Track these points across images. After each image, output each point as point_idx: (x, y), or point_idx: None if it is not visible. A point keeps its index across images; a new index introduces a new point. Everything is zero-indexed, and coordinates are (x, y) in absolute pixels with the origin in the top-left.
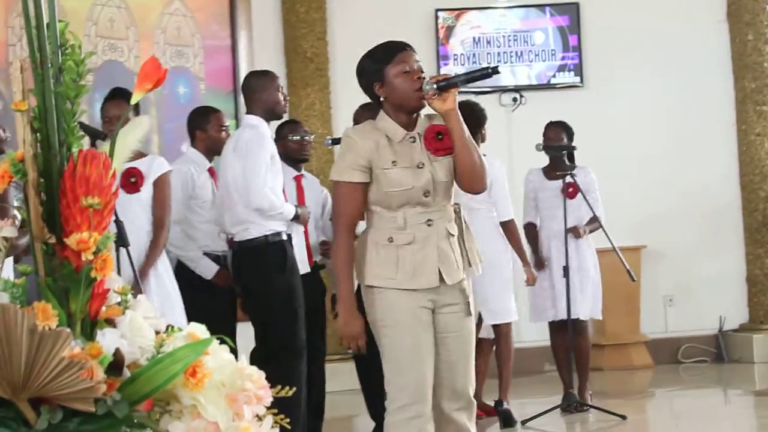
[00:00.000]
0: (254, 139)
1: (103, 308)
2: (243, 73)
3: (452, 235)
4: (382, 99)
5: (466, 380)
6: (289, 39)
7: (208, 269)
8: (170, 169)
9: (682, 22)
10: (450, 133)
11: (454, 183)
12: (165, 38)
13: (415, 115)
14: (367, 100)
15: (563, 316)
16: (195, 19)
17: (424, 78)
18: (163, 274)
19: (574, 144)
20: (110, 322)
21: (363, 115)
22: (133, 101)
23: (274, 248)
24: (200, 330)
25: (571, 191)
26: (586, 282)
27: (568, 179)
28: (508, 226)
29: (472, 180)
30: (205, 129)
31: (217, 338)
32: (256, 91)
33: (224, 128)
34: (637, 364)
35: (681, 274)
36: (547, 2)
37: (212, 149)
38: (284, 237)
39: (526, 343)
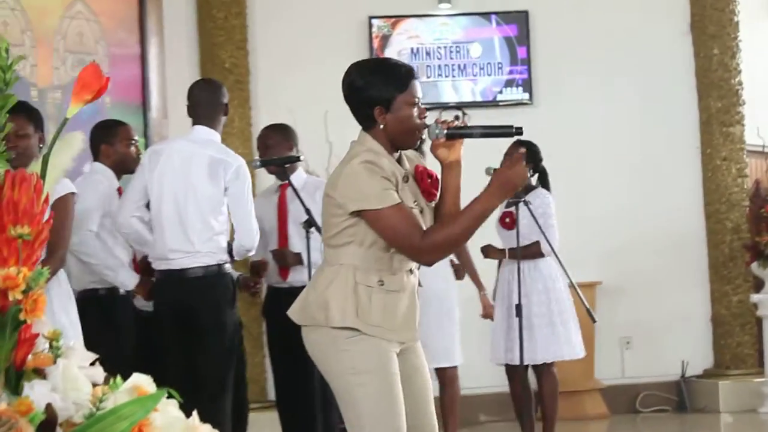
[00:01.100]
0: (245, 169)
1: (29, 356)
2: (153, 85)
3: (420, 286)
4: (381, 126)
5: (434, 424)
6: (205, 48)
7: (128, 278)
8: (73, 191)
9: (642, 35)
10: (446, 184)
11: None
12: (65, 45)
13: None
14: (278, 120)
15: (513, 360)
16: (100, 24)
17: (428, 119)
18: (53, 301)
19: (535, 166)
20: (39, 373)
21: (271, 137)
22: (69, 114)
23: (226, 280)
24: (146, 382)
25: (508, 222)
26: (539, 322)
27: (508, 208)
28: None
29: None
30: (111, 143)
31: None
32: (221, 103)
33: (133, 142)
34: (592, 413)
35: (639, 313)
36: (492, 10)
37: (120, 166)
38: (230, 268)
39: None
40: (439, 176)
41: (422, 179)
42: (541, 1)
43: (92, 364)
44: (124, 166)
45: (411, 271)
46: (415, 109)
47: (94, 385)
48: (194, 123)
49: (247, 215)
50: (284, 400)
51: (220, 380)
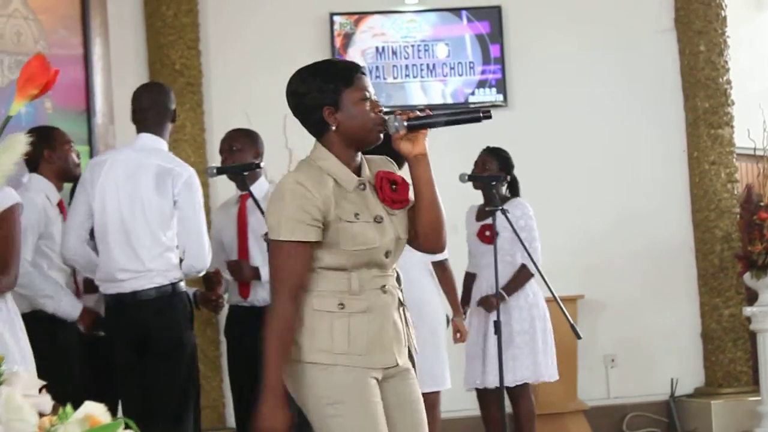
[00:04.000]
0: (195, 180)
1: None
2: (98, 89)
3: (402, 305)
4: (333, 128)
5: None
6: (154, 48)
7: (72, 307)
8: (18, 201)
9: (623, 32)
10: (417, 182)
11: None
12: (2, 45)
13: (358, 156)
14: (234, 126)
15: (490, 383)
16: (39, 23)
17: (385, 111)
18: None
19: (507, 173)
20: None
21: (238, 141)
22: (12, 111)
23: (183, 299)
24: (100, 411)
25: (488, 235)
26: (514, 341)
27: (488, 220)
28: (440, 267)
29: (439, 239)
30: (53, 149)
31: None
32: (169, 109)
33: (72, 147)
34: None
35: (624, 329)
36: (463, 5)
37: (63, 174)
38: (184, 286)
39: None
40: (408, 178)
41: (382, 187)
42: None
43: (40, 391)
44: (68, 174)
45: (384, 288)
46: (368, 104)
47: (41, 415)
48: (139, 130)
49: (198, 233)
50: (245, 430)
51: (182, 408)
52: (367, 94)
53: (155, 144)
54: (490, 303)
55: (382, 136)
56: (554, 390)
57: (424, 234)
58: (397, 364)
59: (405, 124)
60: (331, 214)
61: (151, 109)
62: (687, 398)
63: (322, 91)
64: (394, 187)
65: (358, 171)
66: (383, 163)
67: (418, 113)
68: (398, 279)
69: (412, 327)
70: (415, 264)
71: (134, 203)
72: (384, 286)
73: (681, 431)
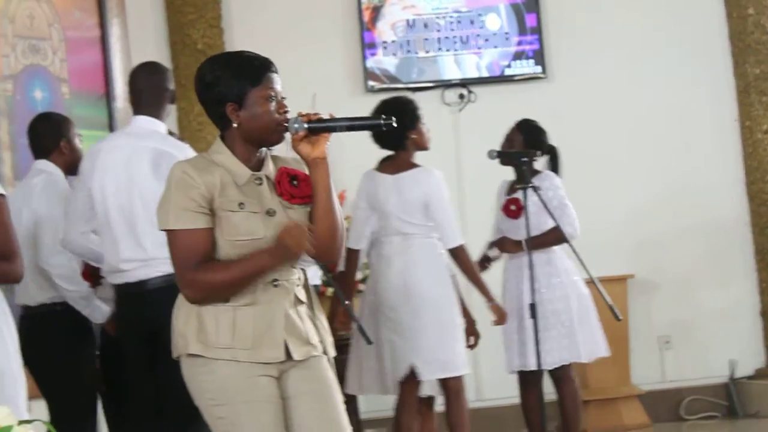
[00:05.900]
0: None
1: None
2: (117, 71)
3: (302, 303)
4: (234, 125)
5: None
6: (175, 27)
7: (100, 311)
8: (2, 193)
9: None
10: (314, 187)
11: None
12: (14, 29)
13: (261, 152)
14: None
15: (530, 366)
16: (52, 5)
17: (289, 113)
18: None
19: (536, 149)
20: None
21: None
22: None
23: None
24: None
25: (513, 209)
26: (554, 321)
27: (516, 194)
28: (456, 254)
29: (332, 249)
30: (69, 139)
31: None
32: (166, 90)
33: (81, 138)
34: (630, 423)
35: (679, 309)
36: None
37: (71, 166)
38: None
39: (488, 401)
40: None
41: (281, 181)
42: None
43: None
44: (75, 167)
45: (275, 282)
46: (273, 104)
47: None
48: (135, 113)
49: None
50: None
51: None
52: (274, 93)
53: (151, 126)
54: (503, 243)
55: (284, 136)
56: (606, 374)
57: (317, 242)
58: (290, 359)
59: (305, 126)
60: (216, 202)
61: (145, 90)
62: (747, 380)
63: (229, 86)
64: (295, 182)
65: (259, 167)
66: (293, 162)
67: (321, 116)
68: (306, 280)
69: (323, 329)
70: (420, 250)
71: (132, 190)
72: (275, 280)
73: (742, 415)
